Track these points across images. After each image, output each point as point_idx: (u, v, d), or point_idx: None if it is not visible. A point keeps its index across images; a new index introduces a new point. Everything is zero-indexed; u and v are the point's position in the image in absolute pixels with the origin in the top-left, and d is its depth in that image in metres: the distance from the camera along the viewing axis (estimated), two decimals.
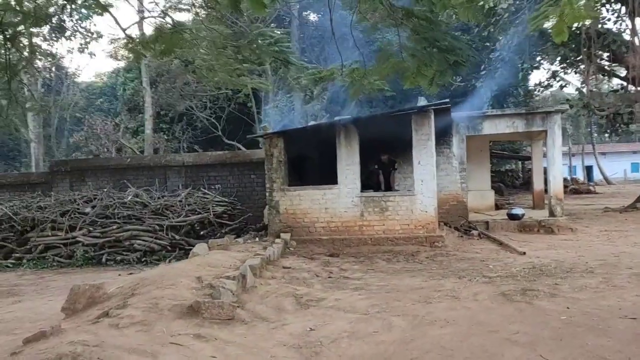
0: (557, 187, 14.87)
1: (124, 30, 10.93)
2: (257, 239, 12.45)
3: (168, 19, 10.42)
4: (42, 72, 31.33)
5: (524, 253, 10.92)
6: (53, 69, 31.67)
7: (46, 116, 23.36)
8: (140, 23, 16.61)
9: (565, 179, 35.29)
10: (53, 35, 22.92)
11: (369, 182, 14.43)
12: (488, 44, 22.02)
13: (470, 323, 6.25)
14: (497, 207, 19.27)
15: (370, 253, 11.59)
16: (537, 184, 18.60)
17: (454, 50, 8.07)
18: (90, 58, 59.34)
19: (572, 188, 31.20)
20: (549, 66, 22.17)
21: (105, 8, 10.49)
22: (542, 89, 23.31)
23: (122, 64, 29.68)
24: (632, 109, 16.13)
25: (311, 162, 14.66)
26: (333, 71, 10.02)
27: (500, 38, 18.42)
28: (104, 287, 7.55)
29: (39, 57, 25.81)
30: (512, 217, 14.70)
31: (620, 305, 6.73)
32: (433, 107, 12.29)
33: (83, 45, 21.96)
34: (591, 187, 32.55)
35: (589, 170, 52.98)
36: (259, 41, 10.28)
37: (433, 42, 8.15)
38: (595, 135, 44.69)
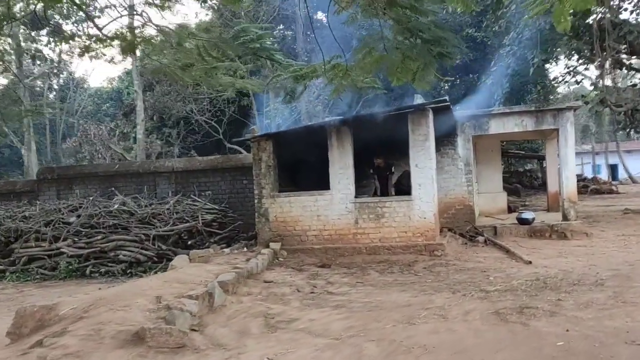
0: (570, 188, 13.89)
1: (100, 29, 10.31)
2: (245, 248, 11.74)
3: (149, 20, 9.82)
4: (50, 77, 31.12)
5: (530, 262, 10.03)
6: (52, 72, 31.25)
7: (30, 121, 22.76)
8: (131, 22, 16.03)
9: (585, 179, 34.04)
10: (52, 39, 22.49)
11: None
12: (504, 40, 21.04)
13: (453, 350, 5.47)
14: (511, 210, 18.29)
15: (364, 263, 10.79)
16: (552, 186, 17.58)
17: (438, 41, 7.27)
18: (90, 62, 59.04)
19: (593, 188, 29.89)
20: (566, 61, 21.14)
21: (77, 4, 9.92)
22: (557, 85, 22.22)
23: (127, 67, 29.24)
24: None
25: (307, 166, 13.90)
26: (315, 68, 9.27)
27: (511, 32, 17.49)
28: (57, 308, 6.90)
29: (39, 61, 25.56)
30: (522, 221, 13.75)
31: (628, 327, 5.86)
32: (431, 106, 11.45)
33: (83, 50, 21.29)
34: (613, 187, 31.14)
35: (613, 169, 51.23)
36: (241, 38, 9.58)
37: (416, 33, 7.36)
38: (620, 132, 42.90)
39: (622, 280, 8.29)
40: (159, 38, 8.05)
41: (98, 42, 8.35)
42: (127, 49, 7.96)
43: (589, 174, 43.53)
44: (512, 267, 9.95)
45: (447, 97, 11.85)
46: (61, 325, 6.35)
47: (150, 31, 9.15)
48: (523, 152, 30.42)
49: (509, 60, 18.03)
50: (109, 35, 8.76)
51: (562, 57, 20.44)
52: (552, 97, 26.44)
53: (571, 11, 5.94)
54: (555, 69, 47.00)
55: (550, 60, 20.67)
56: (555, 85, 22.52)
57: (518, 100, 22.72)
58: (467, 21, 24.95)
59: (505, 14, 16.94)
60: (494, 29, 20.26)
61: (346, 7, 7.50)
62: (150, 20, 9.52)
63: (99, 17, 14.84)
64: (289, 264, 10.95)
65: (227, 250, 11.49)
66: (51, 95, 34.03)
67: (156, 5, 8.76)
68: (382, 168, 12.90)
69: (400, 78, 7.88)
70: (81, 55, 23.37)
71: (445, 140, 14.21)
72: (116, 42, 8.76)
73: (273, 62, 10.44)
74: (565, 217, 13.83)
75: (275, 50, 10.49)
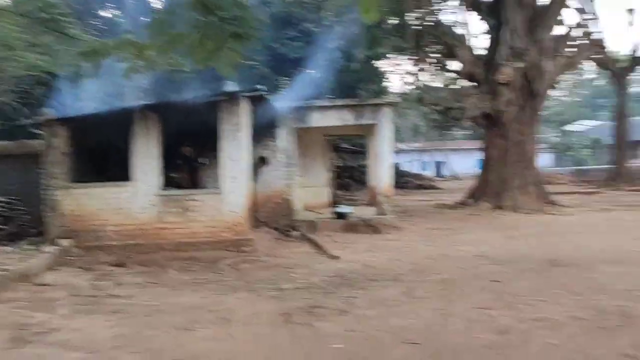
0: (385, 183, 14.16)
1: None
2: (31, 246, 10.31)
3: None
4: None
5: (337, 257, 9.87)
6: None
7: None
8: None
9: (409, 174, 35.95)
10: None
11: None
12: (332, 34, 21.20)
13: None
14: (335, 203, 18.40)
15: (165, 260, 9.91)
16: (372, 180, 17.95)
17: (235, 20, 6.68)
18: None
19: (417, 184, 31.56)
20: (396, 60, 21.85)
21: None
22: (384, 81, 22.97)
23: None
24: (462, 105, 15.87)
25: (117, 155, 12.66)
26: (107, 45, 8.23)
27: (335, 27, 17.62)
28: None
29: None
30: (339, 215, 13.74)
31: (411, 325, 5.74)
32: (245, 94, 10.87)
33: None
34: (433, 183, 33.18)
35: (439, 166, 55.37)
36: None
37: (212, 10, 6.71)
38: (441, 131, 46.05)
39: (419, 274, 8.37)
40: None
41: None
42: None
43: (417, 170, 46.25)
44: (320, 262, 9.71)
45: (265, 87, 11.32)
46: None
47: None
48: (354, 148, 31.15)
49: (336, 54, 18.12)
50: None
51: (391, 55, 21.08)
52: (387, 95, 27.36)
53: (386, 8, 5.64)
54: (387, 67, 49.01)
55: (379, 57, 21.22)
56: (384, 81, 23.24)
57: (353, 95, 23.10)
58: (304, 15, 24.91)
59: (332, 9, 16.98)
60: (325, 23, 20.34)
61: None
62: None
63: None
64: (79, 262, 9.73)
65: (8, 248, 10.01)
66: None
67: None
68: (191, 158, 12.12)
69: (200, 60, 7.21)
70: None
71: (266, 132, 13.78)
72: None
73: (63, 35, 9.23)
74: (380, 212, 14.06)
75: (68, 23, 9.26)
